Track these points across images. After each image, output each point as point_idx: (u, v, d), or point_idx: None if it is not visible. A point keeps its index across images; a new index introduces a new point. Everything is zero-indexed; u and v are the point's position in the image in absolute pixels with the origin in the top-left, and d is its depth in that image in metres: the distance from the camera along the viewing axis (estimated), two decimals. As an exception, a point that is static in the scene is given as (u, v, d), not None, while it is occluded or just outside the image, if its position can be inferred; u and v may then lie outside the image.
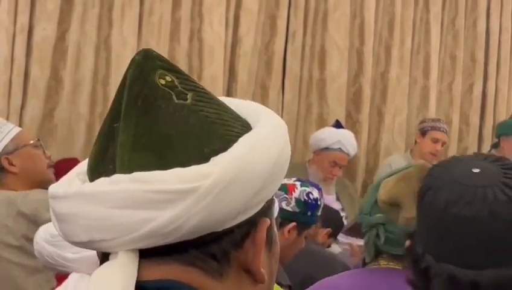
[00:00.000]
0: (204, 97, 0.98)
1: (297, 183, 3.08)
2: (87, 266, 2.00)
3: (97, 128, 4.83)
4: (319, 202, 3.09)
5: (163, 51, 5.12)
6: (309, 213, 3.05)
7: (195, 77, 5.27)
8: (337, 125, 5.36)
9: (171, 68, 0.98)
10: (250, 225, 0.97)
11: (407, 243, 1.52)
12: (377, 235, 2.08)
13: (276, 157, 0.97)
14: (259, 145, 0.95)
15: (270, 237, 1.01)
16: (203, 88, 1.00)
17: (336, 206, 4.96)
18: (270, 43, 5.64)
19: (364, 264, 2.20)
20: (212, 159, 0.93)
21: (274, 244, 1.03)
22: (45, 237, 2.08)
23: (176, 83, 0.97)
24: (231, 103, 1.03)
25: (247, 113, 1.02)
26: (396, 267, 2.09)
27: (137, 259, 0.93)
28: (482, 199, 1.40)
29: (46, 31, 4.74)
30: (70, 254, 2.01)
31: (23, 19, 4.67)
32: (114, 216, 0.91)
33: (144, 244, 0.92)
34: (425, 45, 6.28)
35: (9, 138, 3.23)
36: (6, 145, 3.21)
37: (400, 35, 6.13)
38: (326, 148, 5.18)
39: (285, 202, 2.99)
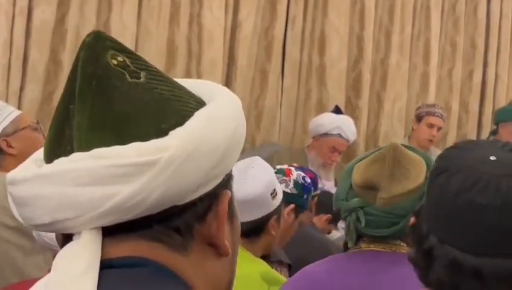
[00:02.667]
0: (157, 76, 0.99)
1: (292, 168, 3.15)
2: None
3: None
4: (312, 186, 3.12)
5: (162, 35, 5.11)
6: (305, 196, 3.11)
7: (194, 62, 5.29)
8: (337, 111, 5.36)
9: (122, 49, 0.98)
10: (211, 198, 0.98)
11: (412, 220, 1.52)
12: (357, 219, 2.10)
13: (232, 132, 0.98)
14: (216, 119, 0.97)
15: (231, 209, 1.02)
16: (154, 67, 1.01)
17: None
18: (270, 28, 5.63)
19: (346, 249, 2.21)
20: (170, 133, 0.94)
21: (235, 217, 1.04)
22: None
23: (128, 63, 0.97)
24: (185, 82, 1.05)
25: (200, 92, 1.04)
26: (378, 249, 2.12)
27: (100, 237, 0.94)
28: (495, 188, 1.38)
29: (45, 13, 4.73)
30: None
31: (22, 1, 4.66)
32: (75, 194, 0.92)
33: (107, 221, 0.93)
34: (425, 31, 6.27)
35: (9, 120, 3.23)
36: (5, 127, 3.22)
37: (400, 21, 6.12)
38: (326, 134, 5.19)
39: (284, 184, 3.02)
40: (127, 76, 0.96)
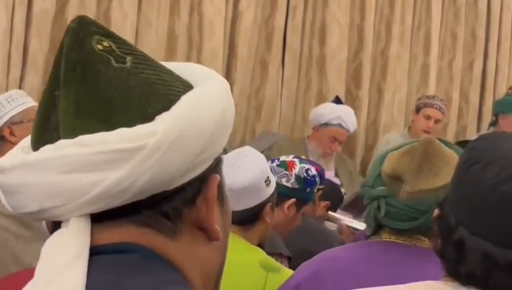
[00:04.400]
0: (143, 60, 0.98)
1: (296, 160, 3.10)
2: None
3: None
4: (316, 179, 3.12)
5: (163, 24, 5.11)
6: (308, 189, 3.07)
7: (194, 51, 5.29)
8: (337, 101, 5.36)
9: (107, 34, 0.97)
10: (200, 182, 0.97)
11: (436, 211, 1.50)
12: (378, 208, 2.06)
13: (220, 115, 0.97)
14: (203, 103, 0.96)
15: (221, 193, 1.01)
16: (141, 51, 1.00)
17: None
18: (271, 18, 5.62)
19: (366, 237, 2.19)
20: (156, 118, 0.93)
21: (225, 201, 1.03)
22: None
23: (114, 48, 0.96)
24: (173, 65, 1.04)
25: (189, 75, 1.02)
26: (398, 241, 2.09)
27: (89, 224, 0.93)
28: None
29: (45, 3, 4.72)
30: None
31: (22, -9, 4.65)
32: (62, 181, 0.91)
33: (95, 208, 0.92)
34: (426, 21, 6.26)
35: (19, 110, 3.28)
36: (13, 116, 3.27)
37: (400, 12, 6.11)
38: (326, 124, 5.18)
39: (285, 178, 3.00)
40: (113, 61, 0.95)
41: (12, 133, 3.25)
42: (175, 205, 0.95)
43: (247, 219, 2.61)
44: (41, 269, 0.92)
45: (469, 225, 1.41)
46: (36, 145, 0.96)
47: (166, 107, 0.94)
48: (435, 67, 6.30)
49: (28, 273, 2.15)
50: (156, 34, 5.07)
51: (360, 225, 4.09)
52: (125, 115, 0.93)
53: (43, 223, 2.21)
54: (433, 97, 5.74)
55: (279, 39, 5.67)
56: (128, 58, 0.96)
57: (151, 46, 4.99)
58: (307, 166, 3.10)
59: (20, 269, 2.90)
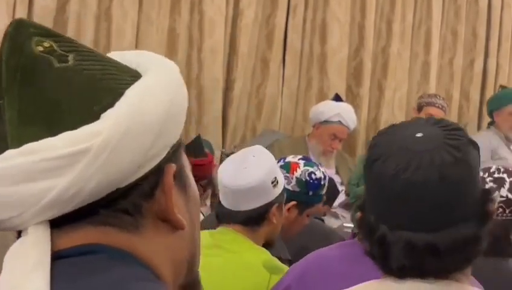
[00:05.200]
0: (87, 56, 0.95)
1: (301, 163, 3.04)
2: None
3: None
4: (322, 182, 3.03)
5: (163, 22, 5.11)
6: (311, 193, 3.01)
7: (195, 49, 5.30)
8: (337, 98, 5.36)
9: (47, 33, 0.94)
10: (157, 174, 0.94)
11: (358, 215, 1.54)
12: None
13: (169, 104, 0.94)
14: (148, 94, 0.93)
15: (182, 181, 0.98)
16: (86, 47, 0.97)
17: (335, 180, 4.96)
18: (271, 16, 5.63)
19: (354, 235, 2.20)
20: (101, 116, 0.90)
21: (189, 188, 1.00)
22: None
23: (55, 47, 0.93)
24: (122, 55, 1.00)
25: (138, 63, 0.98)
26: None
27: (48, 230, 0.91)
28: (429, 163, 1.42)
29: (46, 1, 4.73)
30: None
31: (23, -11, 4.66)
32: (13, 192, 0.89)
33: (51, 214, 0.90)
34: (426, 19, 6.26)
35: None
36: None
37: (401, 10, 6.11)
38: (326, 121, 5.19)
39: (286, 181, 2.96)
40: (54, 61, 0.92)
41: None
42: (133, 200, 0.93)
43: (253, 220, 2.60)
44: (3, 280, 0.90)
45: (386, 221, 1.44)
46: None
47: (111, 104, 0.91)
48: (435, 65, 6.30)
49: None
50: (156, 32, 5.08)
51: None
52: (71, 117, 0.91)
53: None
54: (435, 96, 5.74)
55: (280, 37, 5.68)
56: (71, 56, 0.94)
57: (152, 44, 4.99)
58: (311, 169, 3.03)
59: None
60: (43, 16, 4.70)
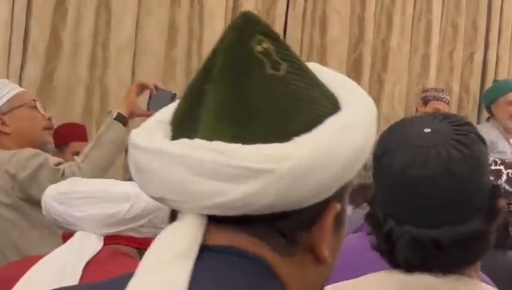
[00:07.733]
0: (298, 70, 0.95)
1: None
2: (94, 225, 2.00)
3: (96, 92, 4.83)
4: None
5: (163, 14, 5.10)
6: None
7: (195, 41, 5.28)
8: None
9: (269, 34, 0.95)
10: (320, 208, 0.95)
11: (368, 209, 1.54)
12: None
13: (361, 146, 0.94)
14: (347, 132, 0.93)
15: (339, 220, 0.98)
16: (298, 59, 0.97)
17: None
18: (271, 8, 5.62)
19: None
20: (294, 138, 0.90)
21: (342, 227, 1.01)
22: (53, 195, 2.07)
23: (272, 51, 0.94)
24: (322, 73, 1.00)
25: (336, 88, 0.99)
26: None
27: (204, 223, 0.93)
28: (436, 158, 1.42)
29: (46, -8, 4.71)
30: (78, 212, 2.01)
31: (23, -21, 4.65)
32: (189, 181, 0.90)
33: (214, 212, 0.92)
34: (426, 12, 6.26)
35: (6, 98, 3.24)
36: (1, 106, 3.22)
37: (401, 2, 6.10)
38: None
39: None
40: (267, 66, 0.93)
41: (4, 123, 3.24)
42: (291, 225, 0.94)
43: None
44: (146, 261, 0.91)
45: (394, 215, 1.45)
46: (175, 129, 0.96)
47: (308, 129, 0.91)
48: (435, 58, 6.30)
49: (28, 262, 2.15)
50: (156, 24, 5.07)
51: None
52: (265, 127, 0.91)
53: (43, 212, 2.20)
54: (442, 90, 5.74)
55: (280, 29, 5.66)
56: (283, 66, 0.94)
57: (152, 36, 4.99)
58: None
59: (18, 257, 2.91)
60: (43, 5, 4.69)
